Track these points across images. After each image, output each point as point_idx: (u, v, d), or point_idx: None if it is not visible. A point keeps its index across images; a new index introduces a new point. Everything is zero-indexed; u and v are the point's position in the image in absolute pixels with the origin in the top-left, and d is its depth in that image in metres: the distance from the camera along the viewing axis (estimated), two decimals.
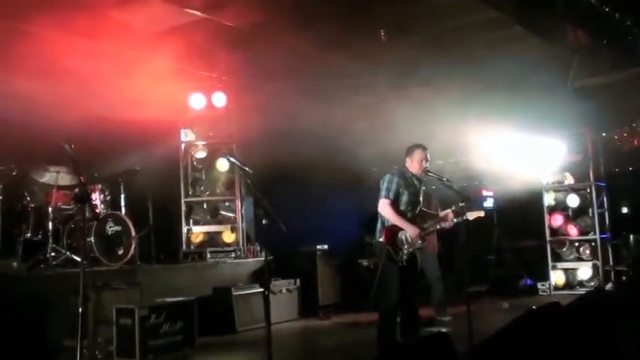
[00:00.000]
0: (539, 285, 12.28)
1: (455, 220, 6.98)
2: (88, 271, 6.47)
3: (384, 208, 6.82)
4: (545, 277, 12.30)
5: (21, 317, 6.99)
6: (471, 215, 7.00)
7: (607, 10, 7.89)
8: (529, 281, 12.50)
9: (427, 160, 6.98)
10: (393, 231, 6.79)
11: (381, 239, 6.81)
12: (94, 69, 8.57)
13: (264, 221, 5.87)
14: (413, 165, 6.98)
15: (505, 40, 9.44)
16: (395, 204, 6.82)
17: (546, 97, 10.65)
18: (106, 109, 9.02)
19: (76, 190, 8.81)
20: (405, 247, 6.78)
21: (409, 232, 6.76)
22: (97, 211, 8.87)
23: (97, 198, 9.10)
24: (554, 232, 12.47)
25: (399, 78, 10.27)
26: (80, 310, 5.66)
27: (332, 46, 9.22)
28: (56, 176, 8.68)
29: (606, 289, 10.53)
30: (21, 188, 8.70)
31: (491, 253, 13.89)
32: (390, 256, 6.72)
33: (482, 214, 7.14)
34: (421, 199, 7.04)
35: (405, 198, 6.87)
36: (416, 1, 8.08)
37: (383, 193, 6.85)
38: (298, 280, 10.35)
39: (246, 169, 6.24)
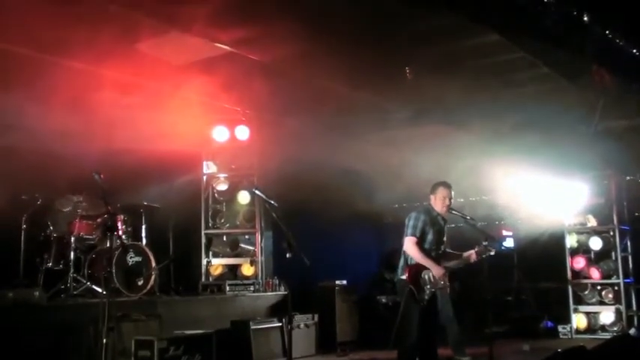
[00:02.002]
0: (560, 328, 12.09)
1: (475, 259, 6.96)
2: (109, 301, 6.48)
3: (410, 246, 6.79)
4: (566, 319, 12.12)
5: (40, 347, 6.95)
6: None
7: (636, 53, 7.89)
8: (550, 323, 12.32)
9: (450, 198, 6.99)
10: (416, 270, 6.75)
11: (404, 277, 6.78)
12: (120, 101, 8.66)
13: (287, 255, 5.86)
14: (436, 202, 7.00)
15: (531, 81, 9.45)
16: (420, 242, 6.79)
17: (570, 139, 10.62)
18: (130, 140, 9.09)
19: (99, 220, 8.92)
20: (428, 286, 6.74)
21: (434, 271, 6.71)
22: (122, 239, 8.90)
23: (120, 228, 9.13)
24: (576, 274, 12.32)
25: (423, 115, 10.31)
26: (105, 340, 5.65)
27: (357, 83, 9.27)
28: (79, 206, 8.75)
29: (630, 334, 10.37)
30: (44, 218, 8.75)
31: (511, 294, 13.73)
32: (412, 296, 6.67)
33: (491, 252, 7.06)
34: (445, 238, 7.00)
35: (430, 237, 6.84)
36: (442, 41, 8.12)
37: (409, 230, 6.82)
38: (316, 316, 10.26)
39: (272, 202, 6.26)
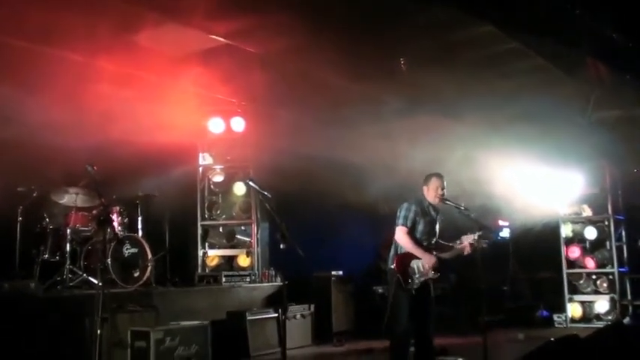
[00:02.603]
0: (555, 317, 12.18)
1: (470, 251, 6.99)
2: (105, 293, 6.49)
3: (401, 235, 6.83)
4: (562, 308, 12.21)
5: (36, 338, 6.99)
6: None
7: (630, 45, 7.92)
8: (545, 313, 12.40)
9: (443, 189, 7.01)
10: (405, 259, 6.78)
11: (393, 266, 6.81)
12: (116, 92, 8.65)
13: (281, 246, 5.88)
14: (429, 193, 7.01)
15: (526, 72, 9.46)
16: (411, 232, 6.83)
17: (565, 130, 10.64)
18: (126, 132, 9.09)
19: (94, 211, 8.93)
20: (417, 276, 6.76)
21: (425, 260, 6.75)
22: (117, 231, 8.91)
23: (115, 220, 9.14)
24: (571, 264, 12.39)
25: (418, 107, 10.31)
26: (99, 331, 5.67)
27: (352, 75, 9.27)
28: (75, 198, 8.77)
29: (624, 322, 10.43)
30: (41, 210, 8.77)
31: (506, 283, 13.80)
32: (400, 285, 6.71)
33: (485, 245, 7.06)
34: (437, 229, 7.03)
35: (421, 227, 6.88)
36: (437, 33, 8.12)
37: (400, 220, 6.86)
38: (312, 306, 10.31)
39: (266, 193, 6.28)
